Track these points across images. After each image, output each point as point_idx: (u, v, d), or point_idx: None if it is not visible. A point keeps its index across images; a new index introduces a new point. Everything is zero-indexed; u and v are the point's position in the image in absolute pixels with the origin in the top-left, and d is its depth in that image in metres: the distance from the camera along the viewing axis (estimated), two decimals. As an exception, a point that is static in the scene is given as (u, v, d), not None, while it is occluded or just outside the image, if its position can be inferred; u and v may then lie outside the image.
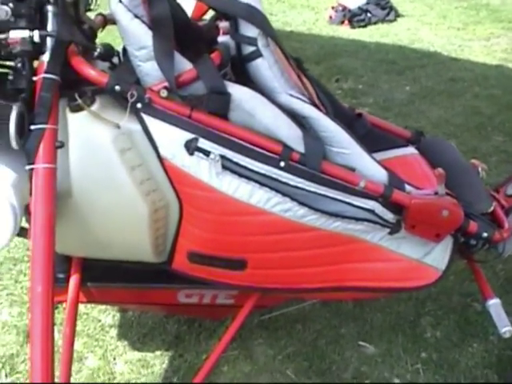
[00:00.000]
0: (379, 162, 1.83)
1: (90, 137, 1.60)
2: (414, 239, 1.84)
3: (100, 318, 2.66)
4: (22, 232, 1.76)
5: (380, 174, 1.79)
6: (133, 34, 1.59)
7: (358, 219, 1.75)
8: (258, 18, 1.76)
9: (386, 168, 1.82)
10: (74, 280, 2.01)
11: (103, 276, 2.07)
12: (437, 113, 4.61)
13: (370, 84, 5.13)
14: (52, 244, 1.50)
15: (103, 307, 2.70)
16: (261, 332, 2.60)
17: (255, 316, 2.62)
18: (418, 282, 1.92)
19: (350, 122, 2.18)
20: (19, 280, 2.88)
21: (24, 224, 1.68)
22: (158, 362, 2.46)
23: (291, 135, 1.69)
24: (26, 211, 1.64)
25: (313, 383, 2.39)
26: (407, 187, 1.82)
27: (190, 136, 1.60)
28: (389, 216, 1.77)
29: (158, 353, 2.50)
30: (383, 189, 1.74)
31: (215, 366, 2.23)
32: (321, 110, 1.82)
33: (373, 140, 2.10)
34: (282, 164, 1.66)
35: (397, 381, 2.42)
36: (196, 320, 2.62)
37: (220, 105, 1.64)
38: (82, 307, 2.68)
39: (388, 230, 1.80)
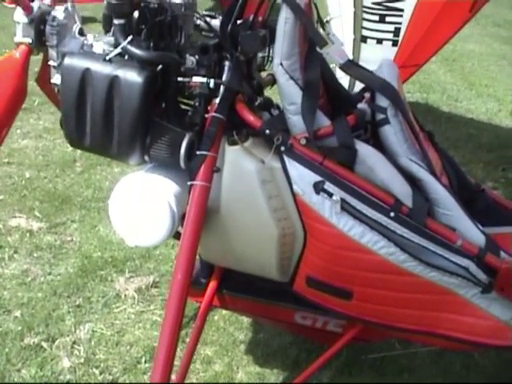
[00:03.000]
0: (480, 228, 2.07)
1: (240, 166, 2.01)
2: (505, 301, 2.04)
3: (234, 333, 3.05)
4: (178, 235, 2.19)
5: (478, 237, 2.04)
6: (287, 92, 2.00)
7: (452, 273, 1.98)
8: (390, 92, 2.10)
9: (485, 234, 2.06)
10: (212, 284, 2.43)
11: (237, 287, 2.46)
12: None
13: (539, 180, 5.16)
14: (196, 245, 1.91)
15: (239, 325, 3.10)
16: (370, 372, 2.86)
17: (366, 353, 2.91)
18: (504, 341, 2.09)
19: (473, 194, 2.43)
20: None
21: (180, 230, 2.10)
22: (274, 378, 2.81)
23: (403, 191, 2.00)
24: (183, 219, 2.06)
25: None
26: (503, 254, 2.04)
27: (318, 178, 1.96)
28: (482, 276, 1.98)
29: (275, 371, 2.85)
30: (478, 250, 1.99)
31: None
32: (437, 177, 2.10)
33: (492, 214, 2.35)
34: (392, 214, 1.96)
35: None
36: (315, 351, 2.92)
37: (347, 157, 2.00)
38: (221, 323, 3.09)
39: (480, 289, 2.01)
